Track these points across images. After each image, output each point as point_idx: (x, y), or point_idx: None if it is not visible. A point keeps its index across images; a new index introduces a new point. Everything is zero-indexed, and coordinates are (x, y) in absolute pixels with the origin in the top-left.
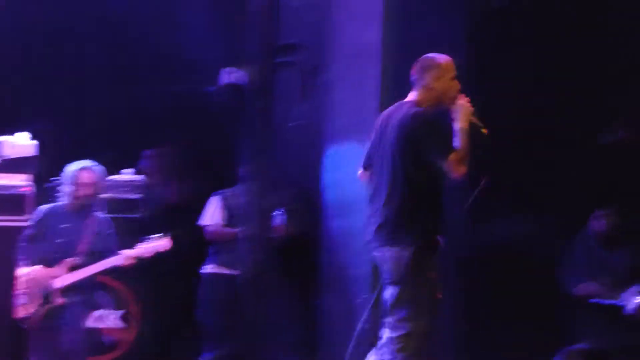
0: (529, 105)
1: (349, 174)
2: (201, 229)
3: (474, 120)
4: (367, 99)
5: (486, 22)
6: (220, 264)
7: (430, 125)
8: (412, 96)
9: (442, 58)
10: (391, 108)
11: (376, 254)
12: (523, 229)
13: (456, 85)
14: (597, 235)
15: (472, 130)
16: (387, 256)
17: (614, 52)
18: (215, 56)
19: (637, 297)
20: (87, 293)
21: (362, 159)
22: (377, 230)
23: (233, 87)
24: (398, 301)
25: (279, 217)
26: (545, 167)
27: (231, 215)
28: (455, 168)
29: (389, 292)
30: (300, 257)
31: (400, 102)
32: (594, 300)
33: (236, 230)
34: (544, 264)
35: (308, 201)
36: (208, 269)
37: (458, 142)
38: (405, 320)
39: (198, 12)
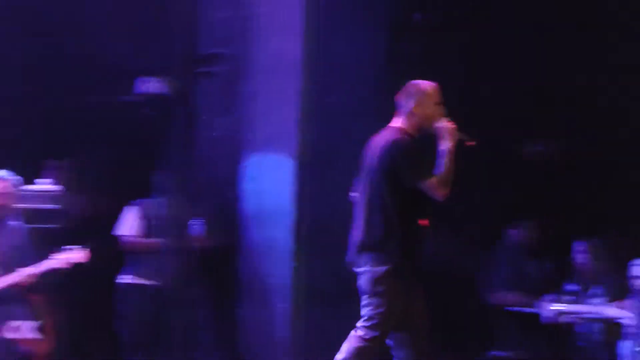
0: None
1: (269, 184)
2: (118, 239)
3: (460, 136)
4: (288, 111)
5: (407, 36)
6: (137, 274)
7: (407, 152)
8: (396, 122)
9: (426, 84)
10: (379, 133)
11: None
12: (443, 240)
13: (440, 110)
14: (516, 245)
15: (459, 147)
16: (360, 275)
17: (538, 66)
18: (136, 66)
19: (552, 305)
20: (2, 304)
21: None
22: (355, 252)
23: (151, 97)
24: (363, 309)
25: (198, 227)
26: (464, 180)
27: (149, 226)
28: (436, 190)
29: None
30: (220, 267)
31: (386, 127)
32: (512, 309)
33: (154, 240)
34: (463, 274)
35: (228, 211)
36: (125, 279)
37: (441, 164)
38: (363, 326)
39: (119, 21)
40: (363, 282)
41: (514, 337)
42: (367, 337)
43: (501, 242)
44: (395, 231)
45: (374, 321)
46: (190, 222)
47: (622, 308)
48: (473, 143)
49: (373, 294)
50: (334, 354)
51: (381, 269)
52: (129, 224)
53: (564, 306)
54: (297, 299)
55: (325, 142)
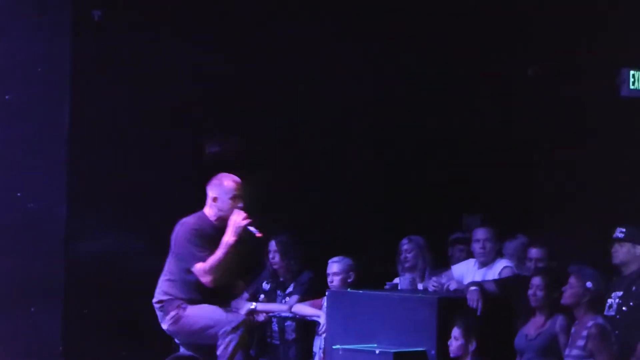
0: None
1: None
2: None
3: (249, 228)
4: None
5: (89, 36)
6: None
7: (189, 234)
8: (205, 207)
9: (228, 179)
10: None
11: None
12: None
13: (235, 204)
14: None
15: (247, 237)
16: None
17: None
18: None
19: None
20: None
21: None
22: None
23: None
24: None
25: None
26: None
27: None
28: (202, 275)
29: None
30: None
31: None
32: None
33: None
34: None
35: None
36: None
37: (216, 254)
38: None
39: None
40: None
41: None
42: None
43: None
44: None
45: None
46: None
47: (315, 306)
48: (260, 235)
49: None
50: None
51: None
52: None
53: (258, 304)
54: None
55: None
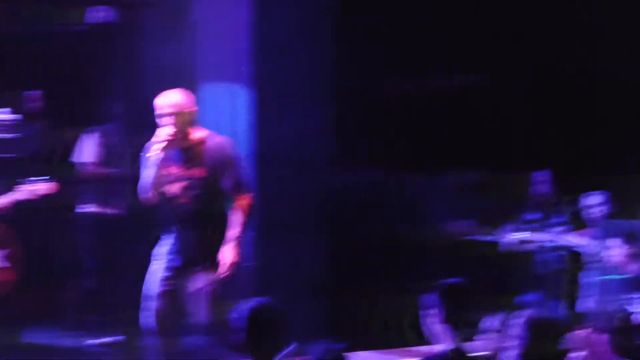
0: None
1: (222, 114)
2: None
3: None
4: (237, 39)
5: None
6: (94, 202)
7: None
8: None
9: None
10: None
11: None
12: (382, 177)
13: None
14: (469, 183)
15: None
16: None
17: None
18: None
19: (513, 234)
20: None
21: None
22: None
23: (101, 27)
24: None
25: None
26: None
27: (107, 154)
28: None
29: None
30: None
31: None
32: (469, 237)
33: (113, 169)
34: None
35: None
36: (83, 208)
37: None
38: None
39: None
40: None
41: (467, 266)
42: None
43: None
44: None
45: None
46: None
47: (583, 237)
48: None
49: None
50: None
51: None
52: (86, 151)
53: (525, 234)
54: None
55: (279, 72)
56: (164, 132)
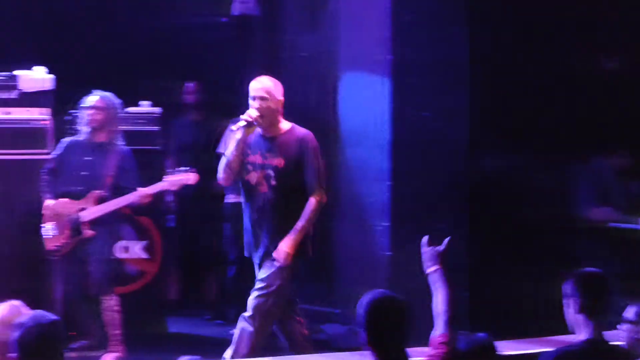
0: None
1: (364, 103)
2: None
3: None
4: (376, 28)
5: None
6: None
7: None
8: None
9: None
10: None
11: None
12: (521, 161)
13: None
14: (614, 167)
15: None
16: None
17: None
18: None
19: None
20: (112, 225)
21: None
22: None
23: (244, 18)
24: None
25: None
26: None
27: None
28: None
29: None
30: None
31: None
32: (612, 225)
33: None
34: (544, 193)
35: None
36: (231, 198)
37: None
38: None
39: None
40: None
41: (608, 253)
42: None
43: (594, 164)
44: None
45: None
46: None
47: None
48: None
49: None
50: None
51: None
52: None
53: None
54: (395, 218)
55: (418, 58)
56: (250, 112)
